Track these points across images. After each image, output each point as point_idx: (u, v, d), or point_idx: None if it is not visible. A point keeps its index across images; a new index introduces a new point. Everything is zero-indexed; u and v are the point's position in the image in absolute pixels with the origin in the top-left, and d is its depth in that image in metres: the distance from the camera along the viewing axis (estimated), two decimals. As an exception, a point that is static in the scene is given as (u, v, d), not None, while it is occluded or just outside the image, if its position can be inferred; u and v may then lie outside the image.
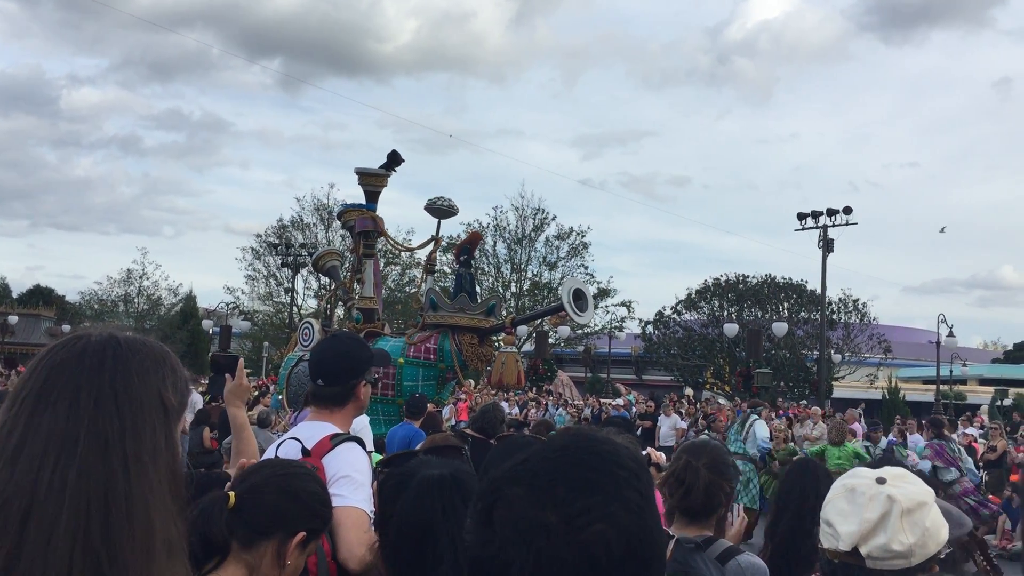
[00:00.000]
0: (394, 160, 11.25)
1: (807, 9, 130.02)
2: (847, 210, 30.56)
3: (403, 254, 42.14)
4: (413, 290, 40.83)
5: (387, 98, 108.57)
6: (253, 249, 45.49)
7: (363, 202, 11.31)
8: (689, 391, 42.91)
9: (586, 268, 43.48)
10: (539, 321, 33.86)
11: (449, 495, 2.11)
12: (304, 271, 43.91)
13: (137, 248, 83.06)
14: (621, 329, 44.79)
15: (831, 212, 30.70)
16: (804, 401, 33.68)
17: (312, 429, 2.98)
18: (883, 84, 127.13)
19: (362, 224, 11.06)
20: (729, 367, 41.68)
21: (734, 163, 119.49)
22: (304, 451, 2.76)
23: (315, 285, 45.51)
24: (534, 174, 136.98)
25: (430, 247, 11.19)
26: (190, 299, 47.93)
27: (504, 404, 24.01)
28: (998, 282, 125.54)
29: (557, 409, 25.27)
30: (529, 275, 44.89)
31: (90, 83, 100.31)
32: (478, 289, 14.37)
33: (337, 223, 45.06)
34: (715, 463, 2.72)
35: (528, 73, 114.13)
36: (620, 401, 26.42)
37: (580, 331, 44.92)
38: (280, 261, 42.81)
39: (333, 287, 12.62)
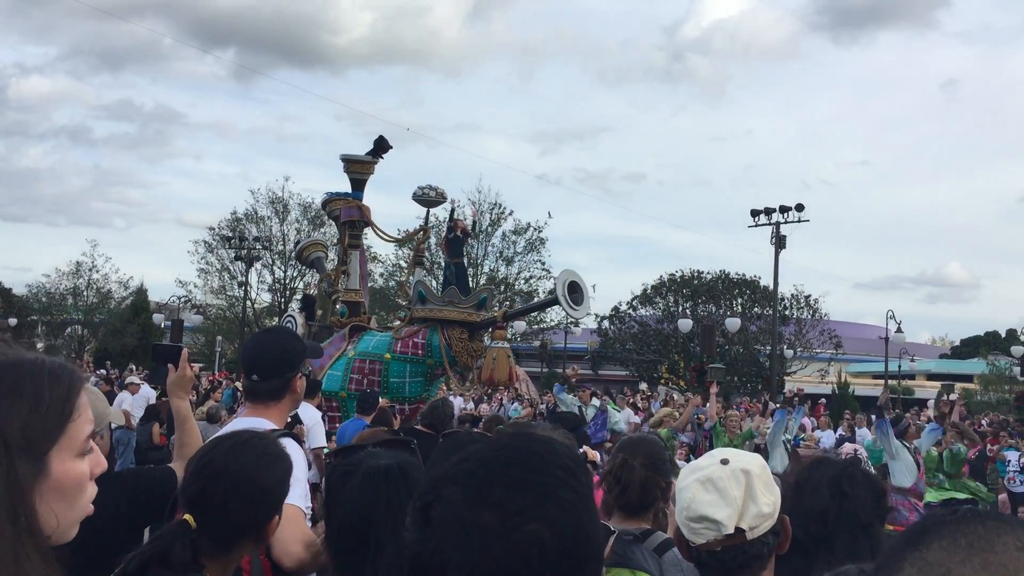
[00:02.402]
0: (381, 146, 10.89)
1: (760, 8, 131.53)
2: (799, 207, 30.99)
3: (387, 255, 41.93)
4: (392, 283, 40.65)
5: (342, 91, 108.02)
6: (206, 242, 44.93)
7: (348, 190, 11.02)
8: (644, 386, 43.22)
9: (543, 263, 43.59)
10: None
11: (395, 485, 2.09)
12: (258, 265, 43.48)
13: (87, 240, 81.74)
14: (577, 324, 44.95)
15: (784, 209, 31.12)
16: (752, 397, 34.06)
17: (247, 425, 2.92)
18: (834, 83, 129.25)
19: (347, 213, 10.74)
20: (684, 362, 42.05)
21: (689, 160, 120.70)
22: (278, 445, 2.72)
23: (269, 279, 45.13)
24: (491, 168, 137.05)
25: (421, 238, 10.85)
26: (141, 292, 47.14)
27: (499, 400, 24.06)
28: (945, 279, 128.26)
29: (512, 404, 25.28)
30: (486, 270, 44.87)
31: (38, 72, 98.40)
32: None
33: (292, 216, 44.89)
34: (651, 460, 2.75)
35: (484, 68, 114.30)
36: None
37: (536, 326, 45.04)
38: (234, 254, 42.31)
39: (317, 279, 12.26)
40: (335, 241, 12.14)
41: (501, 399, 26.55)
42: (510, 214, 42.42)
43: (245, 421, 3.03)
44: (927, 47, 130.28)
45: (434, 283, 12.77)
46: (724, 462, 1.98)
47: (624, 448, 2.80)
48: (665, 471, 2.78)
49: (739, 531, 1.90)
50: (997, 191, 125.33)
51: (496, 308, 10.78)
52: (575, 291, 9.00)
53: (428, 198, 10.60)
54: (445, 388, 11.59)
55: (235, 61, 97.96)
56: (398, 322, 11.08)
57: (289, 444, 2.83)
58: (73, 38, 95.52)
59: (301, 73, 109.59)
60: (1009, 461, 14.36)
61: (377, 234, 12.04)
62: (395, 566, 1.91)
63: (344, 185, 11.13)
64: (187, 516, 2.07)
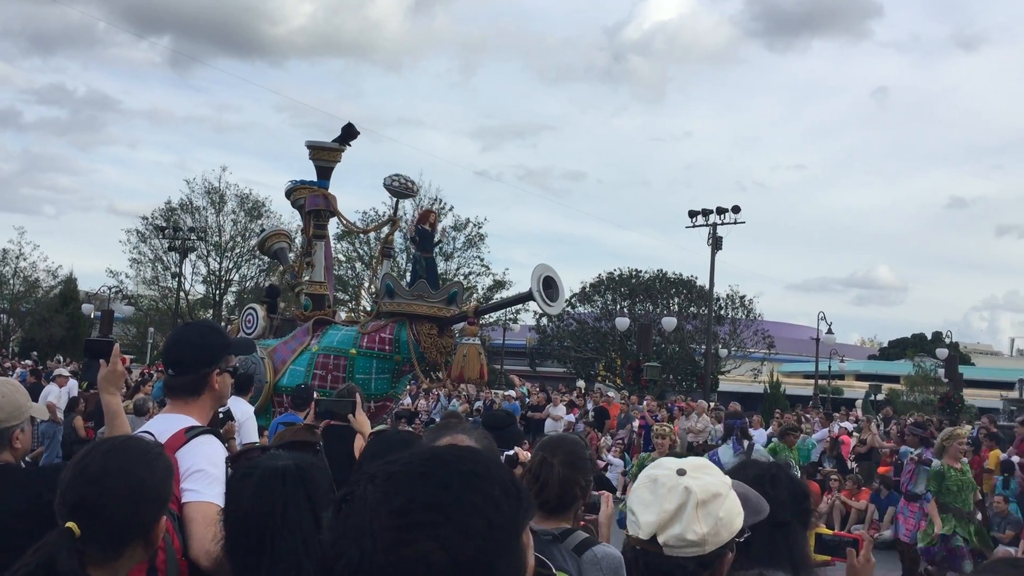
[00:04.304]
0: (349, 134, 10.56)
1: (700, 12, 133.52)
2: (736, 209, 31.45)
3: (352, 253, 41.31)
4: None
5: (282, 81, 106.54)
6: (139, 232, 43.88)
7: (314, 179, 10.71)
8: (581, 383, 43.48)
9: (482, 260, 43.55)
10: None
11: (292, 487, 2.05)
12: (193, 256, 42.68)
13: (14, 227, 79.18)
14: (516, 321, 45.08)
15: (721, 211, 31.54)
16: (686, 396, 34.51)
17: (167, 422, 2.87)
18: (770, 89, 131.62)
19: (313, 202, 10.44)
20: (621, 360, 42.42)
21: (629, 159, 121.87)
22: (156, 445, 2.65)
23: (204, 270, 44.32)
24: (432, 164, 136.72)
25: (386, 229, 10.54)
26: (70, 282, 45.93)
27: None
28: (874, 282, 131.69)
29: (450, 400, 25.23)
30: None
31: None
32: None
33: (229, 207, 44.18)
34: (570, 458, 2.76)
35: (426, 62, 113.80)
36: (513, 393, 26.58)
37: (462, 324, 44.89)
38: (167, 245, 41.46)
39: (280, 270, 11.87)
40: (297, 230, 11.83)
41: (439, 395, 26.46)
42: (450, 210, 42.28)
43: (164, 418, 2.97)
44: (859, 55, 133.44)
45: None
46: (680, 472, 1.94)
47: (544, 447, 2.81)
48: (585, 469, 2.79)
49: (654, 541, 1.88)
50: (925, 197, 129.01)
51: (467, 303, 10.53)
52: (550, 286, 8.81)
53: (398, 188, 10.32)
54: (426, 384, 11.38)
55: (171, 48, 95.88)
56: (363, 315, 10.80)
57: (210, 441, 2.79)
58: (2, 19, 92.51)
59: (239, 62, 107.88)
60: (930, 460, 14.75)
61: (343, 224, 11.74)
62: (292, 569, 1.90)
63: (302, 174, 10.89)
64: (70, 524, 1.99)
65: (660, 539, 1.87)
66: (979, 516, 10.43)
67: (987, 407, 40.00)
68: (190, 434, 2.76)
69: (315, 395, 8.82)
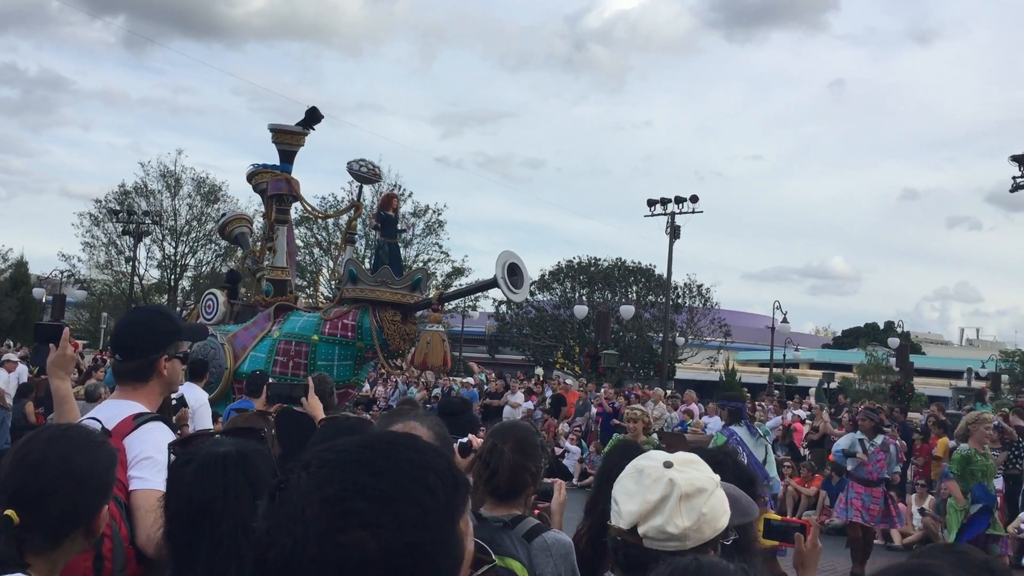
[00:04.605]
0: (313, 117, 10.42)
1: (660, 2, 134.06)
2: (694, 198, 31.68)
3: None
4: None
5: (239, 64, 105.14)
6: (92, 215, 43.08)
7: (276, 162, 10.54)
8: (540, 371, 43.65)
9: (441, 246, 43.45)
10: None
11: (233, 473, 2.01)
12: (147, 240, 42.02)
13: (-37, 210, 77.28)
14: (475, 308, 45.06)
15: (679, 200, 31.75)
16: (644, 384, 34.78)
17: (114, 408, 2.82)
18: (729, 79, 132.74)
19: (275, 187, 10.27)
20: (579, 347, 42.62)
21: (588, 148, 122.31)
22: (104, 432, 2.61)
23: (158, 255, 43.67)
24: (392, 149, 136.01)
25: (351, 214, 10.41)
26: (21, 265, 44.96)
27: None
28: (829, 272, 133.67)
29: (408, 387, 25.19)
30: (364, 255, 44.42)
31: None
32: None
33: (184, 190, 43.54)
34: (521, 445, 2.77)
35: (386, 47, 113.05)
36: (471, 380, 26.62)
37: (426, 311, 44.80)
38: (121, 228, 40.77)
39: (241, 255, 11.68)
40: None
41: (397, 382, 26.41)
42: (409, 196, 42.06)
43: (112, 404, 2.92)
44: (816, 48, 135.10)
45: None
46: (667, 465, 1.91)
47: (495, 433, 2.82)
48: (535, 456, 2.80)
49: (634, 531, 1.86)
50: (879, 189, 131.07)
51: (431, 290, 10.43)
52: (514, 273, 8.75)
53: (363, 173, 10.20)
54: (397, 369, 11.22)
55: (127, 28, 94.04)
56: (324, 301, 10.70)
57: (158, 428, 2.75)
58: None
59: (196, 44, 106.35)
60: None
61: (307, 209, 11.61)
62: (231, 557, 1.88)
63: (260, 158, 10.76)
64: (9, 512, 1.95)
65: (640, 530, 1.85)
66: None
67: (937, 395, 40.82)
68: (138, 421, 2.72)
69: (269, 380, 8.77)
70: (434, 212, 43.07)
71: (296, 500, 1.05)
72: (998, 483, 13.20)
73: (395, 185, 43.20)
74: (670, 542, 1.82)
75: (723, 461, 2.48)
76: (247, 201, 42.26)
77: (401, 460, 1.10)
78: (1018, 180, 23.90)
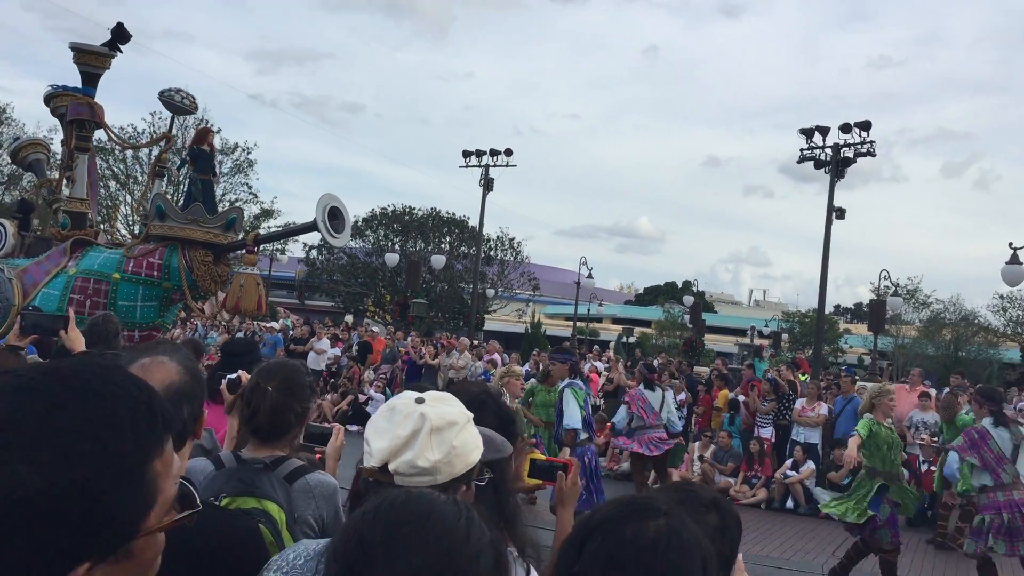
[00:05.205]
0: (120, 35, 9.56)
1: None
2: (508, 152, 32.01)
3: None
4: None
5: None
6: None
7: (78, 85, 9.65)
8: (349, 318, 43.22)
9: (250, 187, 41.90)
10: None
11: None
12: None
13: None
14: (283, 252, 43.87)
15: (494, 152, 31.99)
16: (452, 334, 35.14)
17: None
18: (552, 38, 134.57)
19: (75, 111, 9.38)
20: (390, 296, 42.49)
21: (409, 95, 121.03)
22: None
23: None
24: (201, 83, 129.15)
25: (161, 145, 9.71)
26: None
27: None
28: (635, 231, 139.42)
29: (207, 330, 24.31)
30: (184, 189, 42.34)
31: None
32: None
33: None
34: (286, 384, 2.71)
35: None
36: (276, 325, 26.02)
37: (240, 252, 43.33)
38: None
39: (36, 184, 10.64)
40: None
41: (197, 325, 25.47)
42: (218, 132, 40.18)
43: None
44: (634, 13, 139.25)
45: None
46: (418, 401, 1.89)
47: (260, 372, 2.74)
48: (302, 397, 2.74)
49: (385, 469, 1.83)
50: (686, 154, 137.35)
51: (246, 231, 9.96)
52: (336, 217, 8.47)
53: (176, 103, 9.57)
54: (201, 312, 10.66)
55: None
56: (130, 238, 9.97)
57: None
58: None
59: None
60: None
61: (111, 137, 10.80)
62: None
63: (54, 79, 9.89)
64: None
65: (391, 466, 1.82)
66: (906, 475, 9.86)
67: (724, 351, 43.55)
68: None
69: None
70: (243, 151, 41.44)
71: None
72: (766, 432, 14.31)
73: (203, 120, 41.18)
74: (421, 476, 1.81)
75: (485, 401, 2.52)
76: (36, 125, 39.21)
77: (84, 391, 1.02)
78: (805, 152, 25.59)
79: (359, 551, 1.30)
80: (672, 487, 2.12)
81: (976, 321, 44.15)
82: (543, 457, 2.81)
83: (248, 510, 2.39)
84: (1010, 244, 17.84)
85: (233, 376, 3.16)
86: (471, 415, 1.97)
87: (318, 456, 3.46)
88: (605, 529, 1.53)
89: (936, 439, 12.54)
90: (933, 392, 14.07)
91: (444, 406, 1.92)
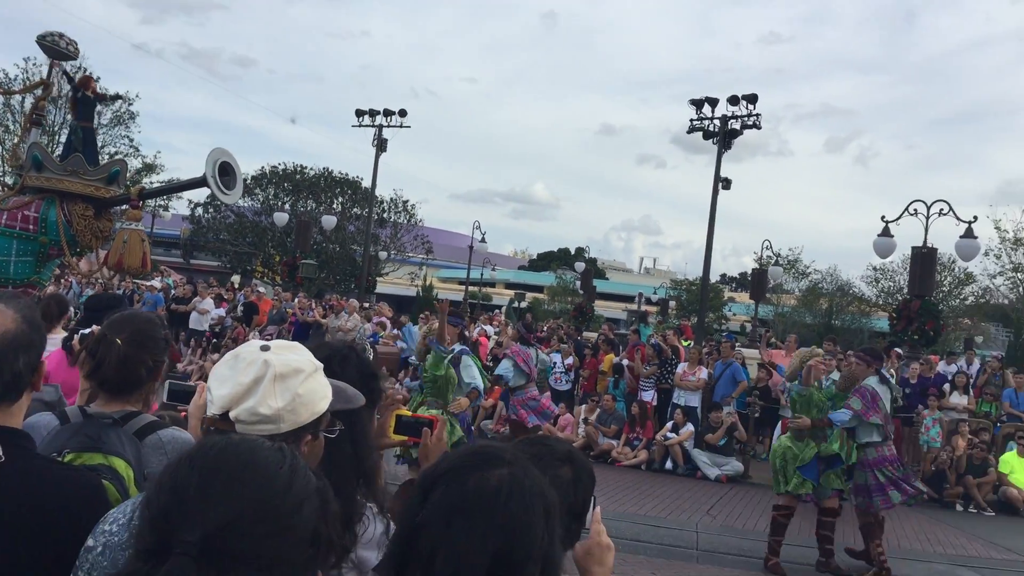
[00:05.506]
0: None
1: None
2: (402, 113, 31.63)
3: None
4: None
5: None
6: None
7: None
8: (236, 278, 42.17)
9: (131, 139, 40.22)
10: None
11: None
12: None
13: None
14: (167, 209, 42.41)
15: (388, 113, 31.56)
16: (343, 296, 34.73)
17: None
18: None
19: None
20: (279, 256, 41.63)
21: (303, 52, 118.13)
22: None
23: None
24: (81, 29, 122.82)
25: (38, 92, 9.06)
26: None
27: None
28: (531, 197, 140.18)
29: (83, 289, 23.41)
30: (62, 140, 40.37)
31: None
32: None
33: None
34: (137, 337, 2.60)
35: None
36: (157, 283, 25.24)
37: (123, 207, 41.69)
38: None
39: None
40: None
41: (72, 282, 24.49)
42: (97, 80, 38.36)
43: None
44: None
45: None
46: (264, 348, 1.84)
47: (110, 324, 2.62)
48: (154, 349, 2.64)
49: (227, 417, 1.78)
50: (582, 121, 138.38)
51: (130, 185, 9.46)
52: (227, 173, 8.13)
53: (57, 47, 9.00)
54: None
55: None
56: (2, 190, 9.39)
57: None
58: None
59: None
60: (555, 363, 16.09)
61: None
62: None
63: None
64: None
65: (232, 414, 1.77)
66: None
67: (614, 317, 44.40)
68: None
69: None
70: (125, 102, 39.69)
71: None
72: (647, 395, 14.66)
73: (80, 68, 39.22)
74: (263, 424, 1.77)
75: (347, 356, 2.48)
76: None
77: None
78: (695, 123, 26.11)
79: (172, 499, 1.25)
80: (527, 441, 2.13)
81: (851, 291, 46.15)
82: (409, 413, 2.79)
83: (94, 466, 2.29)
84: (882, 217, 18.63)
85: (87, 331, 3.03)
86: (320, 364, 1.92)
87: (183, 414, 3.35)
88: (449, 478, 1.52)
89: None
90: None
91: (290, 354, 1.87)
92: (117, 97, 9.24)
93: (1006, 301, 41.33)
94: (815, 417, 8.68)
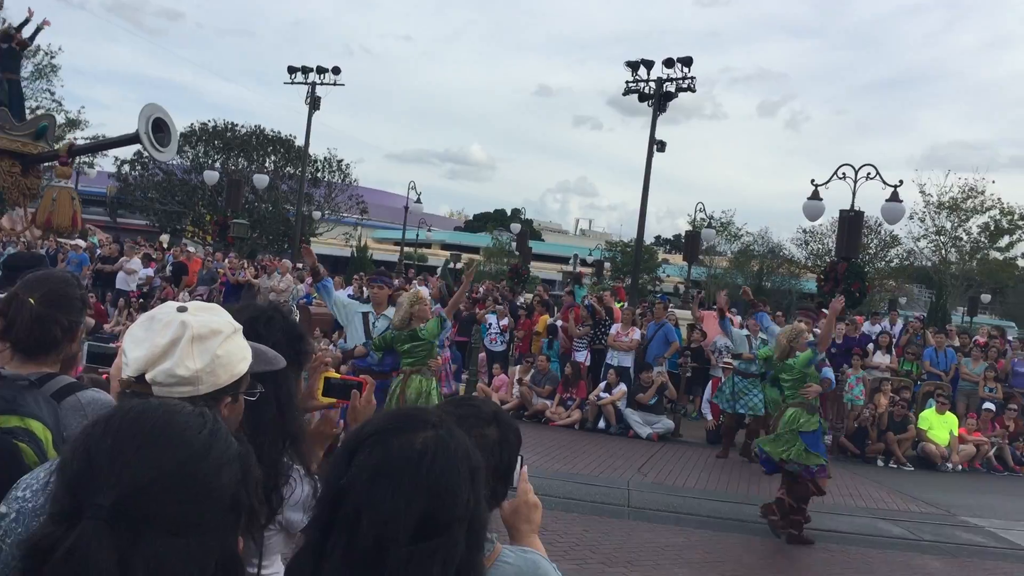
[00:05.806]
0: None
1: None
2: (336, 70, 31.08)
3: None
4: None
5: None
6: None
7: None
8: (165, 237, 41.26)
9: (53, 94, 38.86)
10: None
11: None
12: None
13: None
14: (92, 166, 41.18)
15: (321, 70, 30.97)
16: (276, 256, 34.31)
17: None
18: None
19: None
20: (210, 216, 40.81)
21: (232, 5, 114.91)
22: None
23: None
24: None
25: None
26: None
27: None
28: (467, 158, 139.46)
29: (5, 247, 22.64)
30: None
31: None
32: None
33: None
34: (51, 296, 2.53)
35: None
36: (83, 243, 24.57)
37: (51, 164, 40.41)
38: None
39: None
40: None
41: (5, 241, 23.73)
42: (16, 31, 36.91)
43: None
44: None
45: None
46: (180, 310, 1.80)
47: (24, 284, 2.54)
48: (70, 309, 2.56)
49: (143, 380, 1.73)
50: (518, 83, 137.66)
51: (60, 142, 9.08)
52: (161, 130, 7.82)
53: None
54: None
55: None
56: None
57: None
58: None
59: None
60: (490, 324, 16.12)
61: None
62: None
63: None
64: None
65: (148, 376, 1.72)
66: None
67: (549, 279, 44.64)
68: None
69: None
70: (46, 55, 38.30)
71: None
72: (580, 356, 14.81)
73: (2, 20, 37.65)
74: (181, 386, 1.73)
75: (273, 317, 2.44)
76: None
77: None
78: (631, 85, 26.16)
79: (85, 464, 1.22)
80: (453, 402, 2.12)
81: (781, 253, 47.07)
82: (338, 375, 2.76)
83: (10, 428, 2.23)
84: (812, 181, 18.97)
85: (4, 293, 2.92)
86: (239, 326, 1.88)
87: (105, 376, 3.28)
88: (373, 441, 1.51)
89: (733, 364, 13.28)
90: (738, 319, 14.89)
91: (208, 315, 1.83)
92: (38, 31, 8.84)
93: (929, 263, 42.64)
94: (814, 381, 8.61)
